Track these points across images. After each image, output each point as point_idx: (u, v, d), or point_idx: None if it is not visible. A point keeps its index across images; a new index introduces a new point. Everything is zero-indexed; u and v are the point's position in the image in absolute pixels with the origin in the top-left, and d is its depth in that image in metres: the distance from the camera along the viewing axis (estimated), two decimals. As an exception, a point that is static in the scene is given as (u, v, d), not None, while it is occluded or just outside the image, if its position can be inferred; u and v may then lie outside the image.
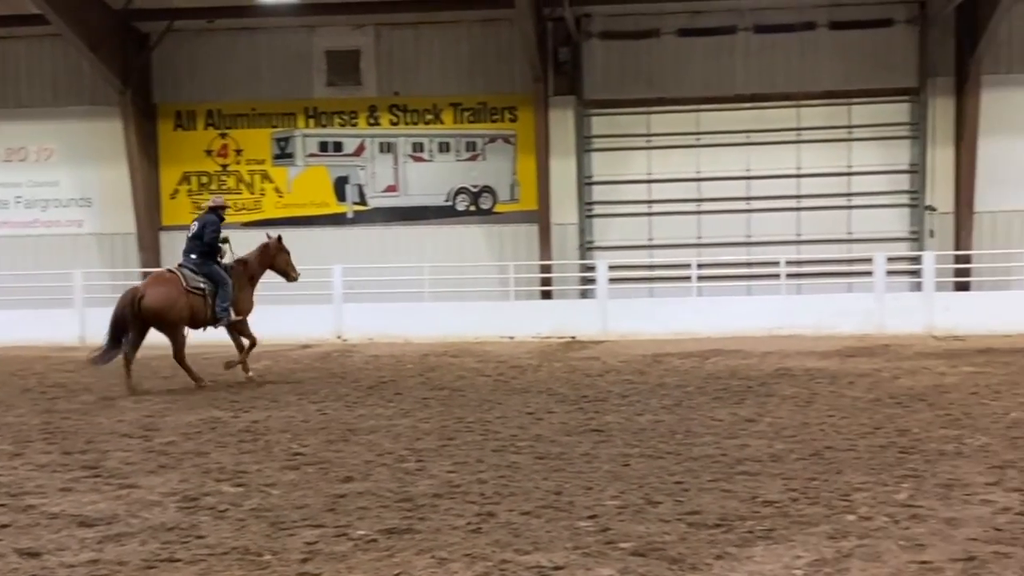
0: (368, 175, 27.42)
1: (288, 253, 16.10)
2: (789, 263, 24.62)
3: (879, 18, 25.41)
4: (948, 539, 6.48)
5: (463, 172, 27.09)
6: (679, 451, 9.58)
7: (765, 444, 9.86)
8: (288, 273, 16.17)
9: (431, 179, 27.20)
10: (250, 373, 15.75)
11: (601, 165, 26.53)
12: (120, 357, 14.72)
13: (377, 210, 27.40)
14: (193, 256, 15.27)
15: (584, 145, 26.45)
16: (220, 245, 15.46)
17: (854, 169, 25.81)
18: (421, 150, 27.20)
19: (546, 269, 25.85)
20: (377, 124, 27.19)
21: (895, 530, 6.71)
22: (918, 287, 23.42)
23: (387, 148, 27.28)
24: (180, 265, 15.36)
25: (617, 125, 26.35)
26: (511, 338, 22.84)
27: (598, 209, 26.66)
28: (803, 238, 25.99)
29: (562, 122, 26.17)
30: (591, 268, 25.06)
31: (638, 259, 26.06)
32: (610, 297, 23.71)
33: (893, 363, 16.81)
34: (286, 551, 6.45)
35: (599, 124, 26.48)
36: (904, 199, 25.80)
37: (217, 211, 15.57)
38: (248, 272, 15.87)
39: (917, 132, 25.50)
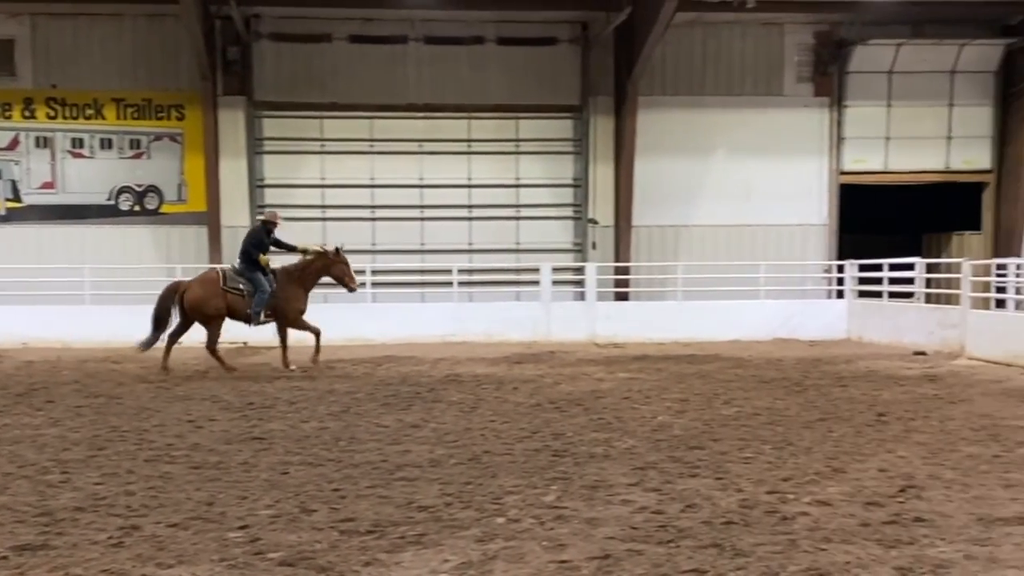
0: (23, 171, 25.78)
1: (346, 264, 17.23)
2: (461, 271, 25.08)
3: (544, 36, 26.30)
4: (588, 538, 6.75)
5: (127, 170, 25.93)
6: (340, 458, 9.54)
7: (427, 449, 9.97)
8: (345, 282, 17.30)
9: (92, 177, 25.88)
10: (292, 367, 17.02)
11: (273, 168, 26.11)
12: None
13: (32, 208, 25.80)
14: (238, 261, 17.19)
15: (255, 147, 25.94)
16: (257, 256, 16.90)
17: (522, 181, 26.61)
18: (81, 146, 25.83)
19: (217, 273, 25.14)
20: (33, 117, 25.62)
21: (540, 531, 6.93)
22: (582, 296, 24.41)
23: (44, 143, 25.75)
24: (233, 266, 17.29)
25: (289, 128, 26.00)
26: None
27: (270, 213, 26.19)
28: (474, 247, 26.54)
29: (232, 122, 25.59)
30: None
31: (311, 265, 25.80)
32: (282, 303, 23.35)
33: (556, 369, 17.42)
34: (-100, 577, 5.92)
35: (271, 126, 26.05)
36: (569, 212, 26.83)
37: (265, 224, 17.32)
38: (299, 278, 17.25)
39: (580, 148, 26.57)
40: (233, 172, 25.65)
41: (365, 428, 11.30)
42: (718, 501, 7.75)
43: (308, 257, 17.26)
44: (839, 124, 26.83)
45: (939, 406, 12.74)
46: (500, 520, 7.22)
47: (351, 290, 17.45)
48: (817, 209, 26.98)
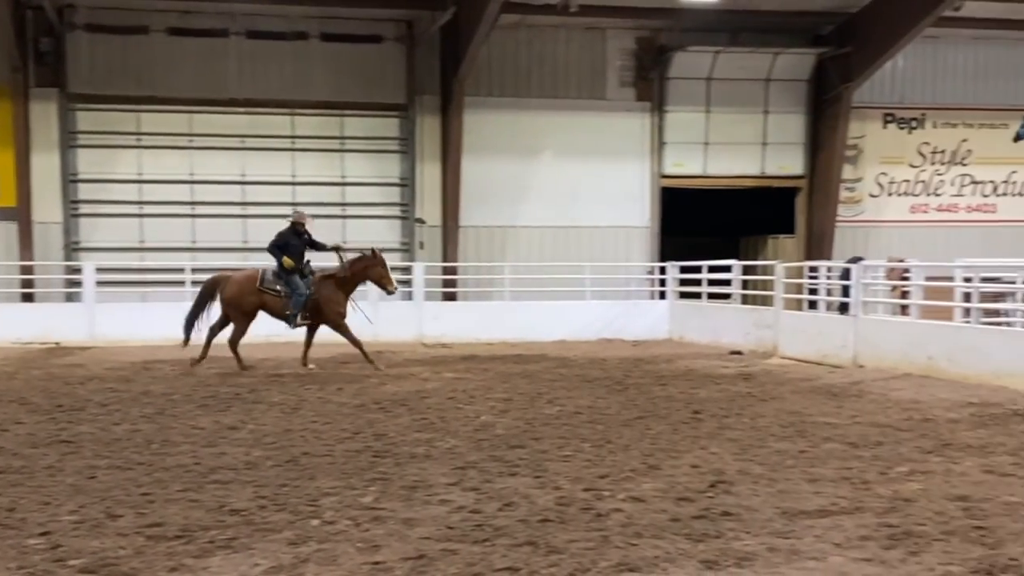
0: None
1: (384, 266, 17.32)
2: (288, 270, 24.64)
3: (369, 34, 26.03)
4: (403, 539, 6.71)
5: (-69, 164, 24.65)
6: (152, 461, 9.27)
7: (243, 452, 9.77)
8: (384, 285, 17.46)
9: None
10: (311, 366, 17.21)
11: (88, 162, 25.16)
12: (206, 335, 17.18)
13: None
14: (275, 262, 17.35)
15: (69, 140, 24.94)
16: (279, 258, 17.24)
17: (348, 179, 26.31)
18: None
19: (27, 271, 24.14)
20: None
21: (355, 533, 6.85)
22: (409, 296, 24.32)
23: None
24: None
25: (105, 122, 25.09)
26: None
27: (85, 208, 25.25)
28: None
29: (44, 115, 24.57)
30: (77, 270, 23.77)
31: (129, 262, 25.01)
32: (98, 301, 22.60)
33: (383, 369, 17.31)
34: None
35: (85, 119, 25.09)
36: (396, 211, 26.68)
37: (294, 225, 17.58)
38: (339, 282, 17.41)
39: (407, 147, 26.42)
40: (45, 166, 24.65)
41: (180, 430, 11.02)
42: (535, 499, 7.80)
43: (348, 260, 17.46)
44: (660, 129, 27.37)
45: (751, 404, 13.13)
46: (315, 522, 7.11)
47: (389, 292, 17.69)
48: (640, 212, 27.50)
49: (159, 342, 20.86)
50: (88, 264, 23.19)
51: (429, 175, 26.30)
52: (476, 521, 7.16)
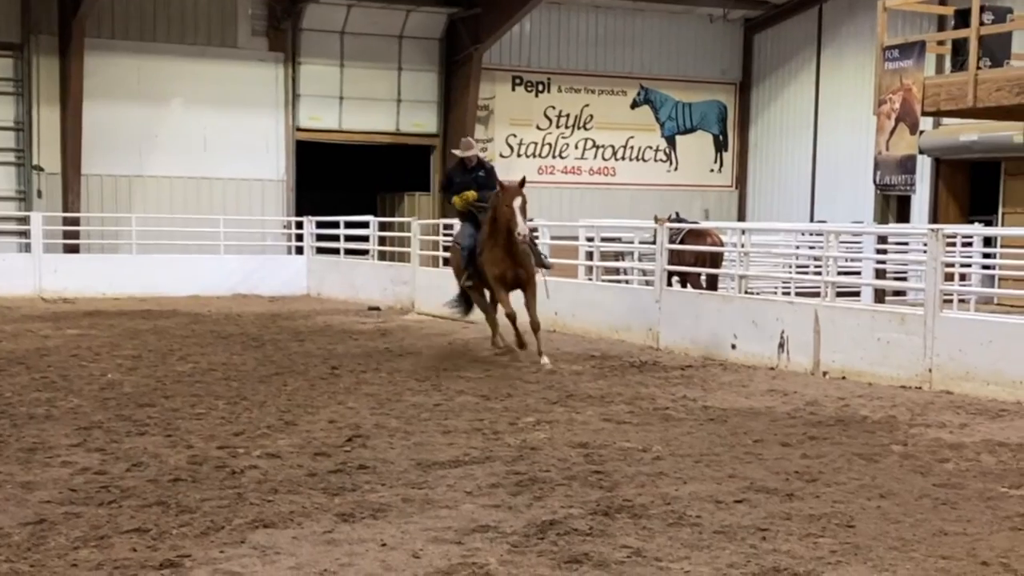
0: None
1: (509, 206, 12.39)
2: None
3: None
4: (21, 503, 6.35)
5: None
6: None
7: None
8: (510, 227, 12.53)
9: None
10: (500, 345, 13.97)
11: None
12: None
13: None
14: None
15: None
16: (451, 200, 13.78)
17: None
18: None
19: None
20: None
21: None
22: (27, 248, 22.82)
23: None
24: None
25: None
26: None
27: None
28: None
29: None
30: None
31: None
32: None
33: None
34: None
35: None
36: (11, 157, 24.87)
37: (463, 160, 13.67)
38: (488, 229, 13.00)
39: (21, 89, 24.67)
40: None
41: None
42: (166, 459, 7.58)
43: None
44: (294, 81, 27.03)
45: (389, 359, 13.31)
46: None
47: (519, 237, 12.70)
48: (275, 165, 27.07)
49: None
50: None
51: (47, 120, 24.66)
52: (101, 483, 6.86)
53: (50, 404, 9.73)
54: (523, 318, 12.93)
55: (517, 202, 12.25)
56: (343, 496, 6.63)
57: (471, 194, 13.36)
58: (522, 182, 12.57)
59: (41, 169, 24.78)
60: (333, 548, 5.61)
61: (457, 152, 13.85)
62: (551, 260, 14.62)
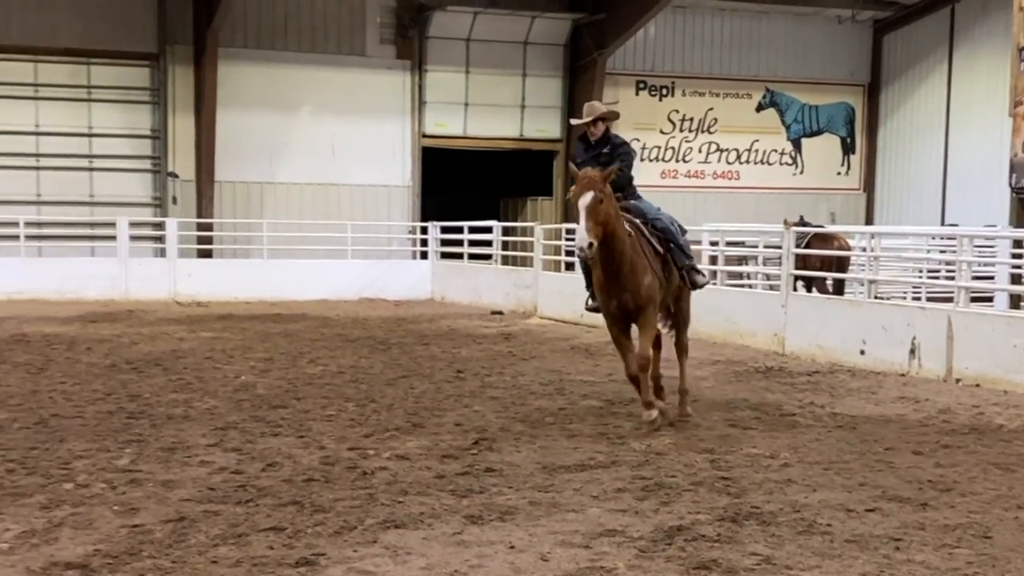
0: None
1: (583, 198, 8.57)
2: (29, 224, 23.44)
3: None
4: (163, 501, 6.55)
5: None
6: None
7: (-14, 414, 9.29)
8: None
9: None
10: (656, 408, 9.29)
11: None
12: None
13: None
14: None
15: None
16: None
17: (95, 131, 25.17)
18: None
19: None
20: None
21: (112, 496, 6.64)
22: (162, 253, 23.56)
23: None
24: None
25: None
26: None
27: None
28: (43, 199, 24.89)
29: None
30: None
31: None
32: None
33: (135, 328, 16.75)
34: None
35: None
36: (147, 164, 25.74)
37: (583, 137, 10.02)
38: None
39: (158, 98, 25.49)
40: None
41: (-84, 393, 10.37)
42: (299, 459, 7.75)
43: None
44: (420, 88, 27.40)
45: (512, 362, 13.40)
46: (68, 486, 6.85)
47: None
48: (400, 171, 27.47)
49: None
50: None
51: (182, 128, 25.46)
52: (238, 482, 7.05)
53: (187, 405, 10.02)
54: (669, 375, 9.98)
55: (584, 200, 8.56)
56: (471, 498, 6.70)
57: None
58: (608, 172, 8.86)
59: (176, 176, 25.58)
60: (463, 549, 5.68)
61: (575, 121, 10.34)
62: (701, 274, 10.17)
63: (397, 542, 5.79)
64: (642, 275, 9.00)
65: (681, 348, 10.03)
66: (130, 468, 7.39)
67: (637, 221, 9.30)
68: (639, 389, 9.14)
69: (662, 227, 9.46)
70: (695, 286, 9.80)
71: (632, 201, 9.54)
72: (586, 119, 9.72)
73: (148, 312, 19.61)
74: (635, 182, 9.72)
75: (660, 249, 9.31)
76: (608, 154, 9.57)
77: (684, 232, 9.89)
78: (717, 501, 6.69)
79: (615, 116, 10.12)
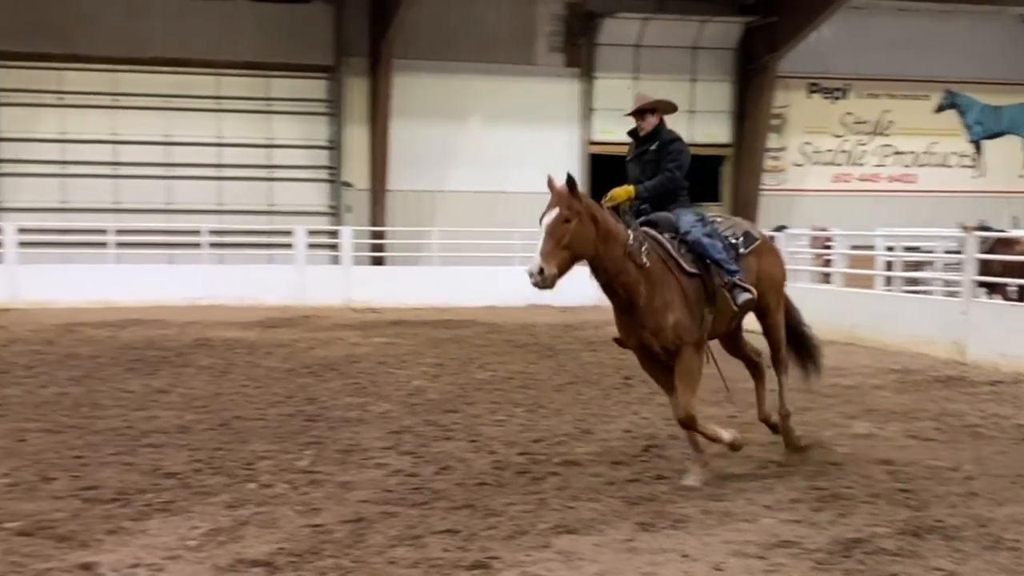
0: None
1: (548, 215, 7.64)
2: (211, 233, 24.36)
3: (295, -7, 25.82)
4: (342, 502, 6.73)
5: None
6: (82, 424, 9.17)
7: (174, 415, 9.70)
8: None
9: None
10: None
11: (10, 121, 24.56)
12: None
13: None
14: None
15: (-10, 99, 24.39)
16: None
17: (275, 142, 26.00)
18: None
19: (-54, 231, 23.55)
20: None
21: (293, 496, 6.86)
22: (337, 260, 24.17)
23: None
24: None
25: (26, 79, 24.51)
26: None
27: (7, 168, 24.70)
28: (225, 208, 25.80)
29: (-36, 73, 23.97)
30: (-2, 231, 23.28)
31: (51, 223, 24.49)
32: (20, 263, 22.11)
33: (311, 334, 17.21)
34: None
35: (7, 77, 24.47)
36: (323, 174, 26.43)
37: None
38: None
39: (334, 109, 26.15)
40: (-33, 125, 24.09)
41: (108, 394, 10.89)
42: (472, 463, 7.86)
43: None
44: (589, 95, 27.43)
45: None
46: (251, 486, 7.11)
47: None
48: (569, 178, 27.49)
49: (83, 305, 20.56)
50: (9, 225, 22.66)
51: (357, 138, 26.09)
52: (414, 484, 7.20)
53: (362, 408, 10.26)
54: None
55: (547, 218, 7.51)
56: (642, 505, 6.69)
57: (621, 192, 8.57)
58: (570, 182, 7.67)
59: (350, 185, 26.23)
60: (635, 556, 5.68)
61: (624, 113, 9.01)
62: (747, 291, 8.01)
63: (569, 547, 5.82)
64: (663, 313, 7.48)
65: (780, 366, 8.71)
66: (310, 469, 7.62)
67: (664, 237, 7.85)
68: (691, 440, 7.65)
69: (692, 240, 7.84)
70: (736, 305, 8.00)
71: (664, 213, 8.18)
72: (633, 109, 8.56)
73: (324, 318, 20.11)
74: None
75: (691, 269, 7.69)
76: (655, 151, 8.52)
77: (746, 242, 8.33)
78: (897, 514, 6.51)
79: (670, 108, 8.74)
